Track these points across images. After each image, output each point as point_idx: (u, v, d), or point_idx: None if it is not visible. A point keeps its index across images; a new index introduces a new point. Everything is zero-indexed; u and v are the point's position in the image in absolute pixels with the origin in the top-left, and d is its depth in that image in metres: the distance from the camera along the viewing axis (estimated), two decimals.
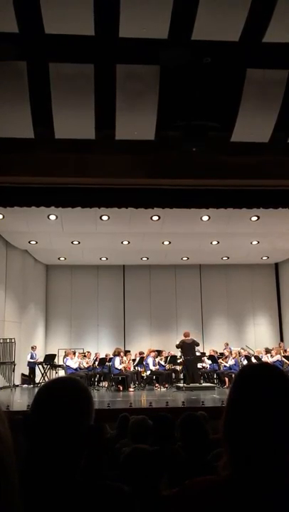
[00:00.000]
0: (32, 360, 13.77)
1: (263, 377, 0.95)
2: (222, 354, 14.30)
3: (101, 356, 13.62)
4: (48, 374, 13.56)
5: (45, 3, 5.55)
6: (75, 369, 12.64)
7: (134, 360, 13.72)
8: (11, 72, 6.68)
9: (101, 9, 5.72)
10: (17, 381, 13.45)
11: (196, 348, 12.91)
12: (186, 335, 12.87)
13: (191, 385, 12.04)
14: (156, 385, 12.89)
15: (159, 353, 14.11)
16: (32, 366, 13.71)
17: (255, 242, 14.20)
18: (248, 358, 13.28)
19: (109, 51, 6.59)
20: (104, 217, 11.12)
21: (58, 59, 6.66)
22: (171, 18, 5.77)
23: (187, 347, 12.56)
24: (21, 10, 5.66)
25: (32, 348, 14.12)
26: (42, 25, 5.78)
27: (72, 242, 13.75)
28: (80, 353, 13.91)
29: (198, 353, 13.25)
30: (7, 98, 6.87)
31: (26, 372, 13.99)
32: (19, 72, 6.67)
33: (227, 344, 14.94)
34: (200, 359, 13.64)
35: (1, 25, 5.85)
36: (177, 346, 12.76)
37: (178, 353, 13.90)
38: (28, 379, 13.78)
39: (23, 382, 13.90)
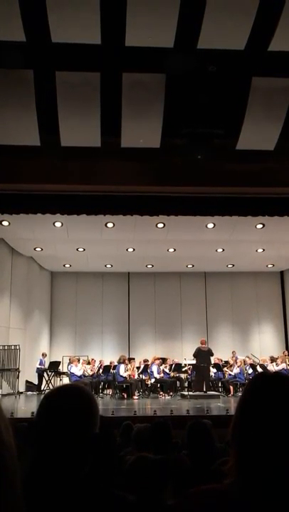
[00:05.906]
0: (40, 367, 13.78)
1: (278, 385, 0.95)
2: (227, 362, 14.21)
3: (105, 363, 13.57)
4: (52, 381, 13.54)
5: (52, 12, 5.61)
6: (80, 376, 12.60)
7: (138, 368, 13.67)
8: (18, 80, 6.75)
9: (107, 18, 5.77)
10: (21, 388, 13.42)
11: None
12: (202, 342, 13.18)
13: (196, 393, 12.00)
14: (161, 393, 12.82)
15: (163, 360, 14.05)
16: (40, 373, 13.71)
17: (260, 250, 14.17)
18: (253, 366, 13.20)
19: (116, 60, 6.64)
20: (110, 225, 11.14)
21: (64, 67, 6.72)
22: (176, 26, 5.81)
23: (203, 354, 12.72)
24: (28, 19, 5.73)
25: (42, 354, 14.18)
26: (49, 34, 5.85)
27: (77, 249, 13.78)
28: (84, 360, 13.89)
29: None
30: (14, 106, 6.94)
31: (31, 379, 13.98)
32: (26, 80, 6.73)
33: (234, 352, 14.85)
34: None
35: (8, 34, 5.92)
36: (194, 355, 12.84)
37: (182, 360, 13.88)
38: (35, 386, 13.76)
39: (28, 389, 13.88)
